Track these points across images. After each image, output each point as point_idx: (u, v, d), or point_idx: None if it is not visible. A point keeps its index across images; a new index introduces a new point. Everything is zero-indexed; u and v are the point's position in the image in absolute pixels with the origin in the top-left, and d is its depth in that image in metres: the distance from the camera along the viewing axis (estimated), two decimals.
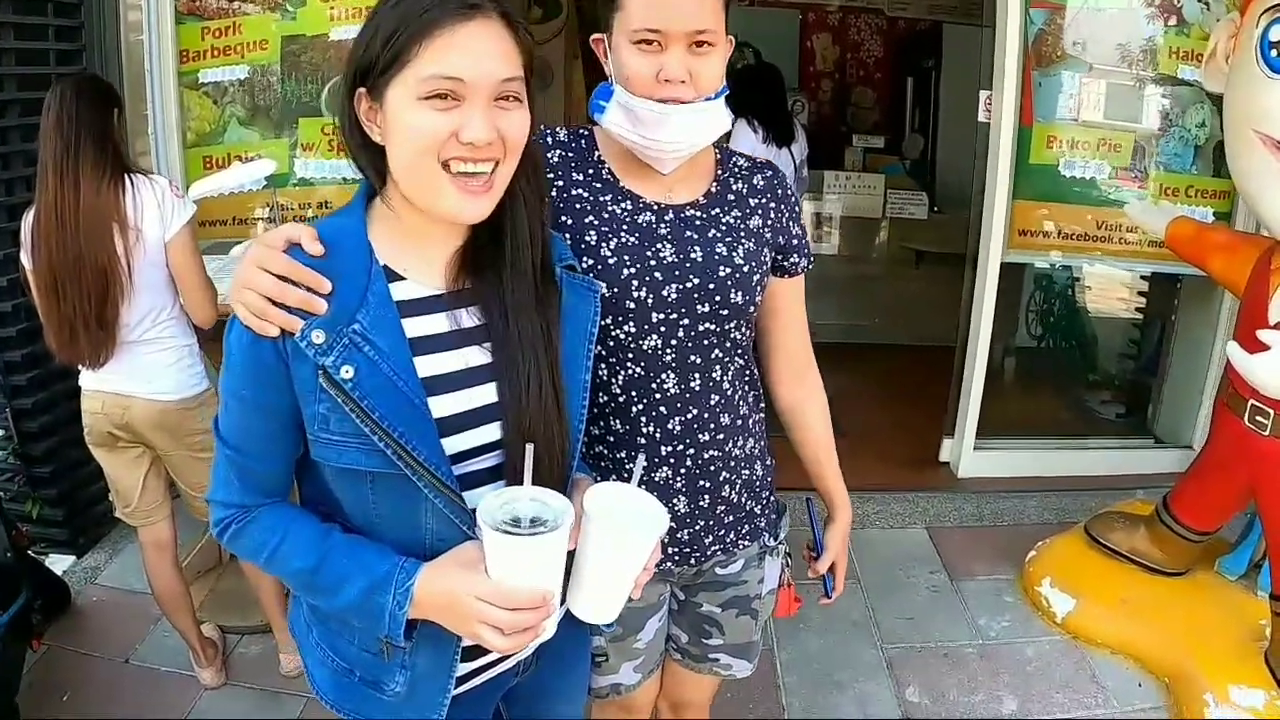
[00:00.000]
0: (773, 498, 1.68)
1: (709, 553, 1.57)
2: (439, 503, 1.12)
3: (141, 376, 2.55)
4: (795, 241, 1.57)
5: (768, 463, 1.65)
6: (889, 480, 3.91)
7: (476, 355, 1.19)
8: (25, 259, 2.49)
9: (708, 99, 1.37)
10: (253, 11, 3.56)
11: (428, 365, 1.14)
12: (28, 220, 2.47)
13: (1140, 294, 4.47)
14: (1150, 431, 4.28)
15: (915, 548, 3.52)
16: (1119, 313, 4.82)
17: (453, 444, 1.15)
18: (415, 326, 1.15)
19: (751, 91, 4.35)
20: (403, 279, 1.16)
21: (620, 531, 1.13)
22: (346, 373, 1.07)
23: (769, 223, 1.52)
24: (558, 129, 1.52)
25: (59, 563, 3.41)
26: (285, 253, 1.09)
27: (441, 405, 1.14)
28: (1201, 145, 3.66)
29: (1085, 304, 4.78)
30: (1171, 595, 2.94)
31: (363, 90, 1.10)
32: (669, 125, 1.35)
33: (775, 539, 1.67)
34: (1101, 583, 3.04)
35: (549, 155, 1.47)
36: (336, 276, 1.10)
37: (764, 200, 1.53)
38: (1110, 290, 4.92)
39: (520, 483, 1.11)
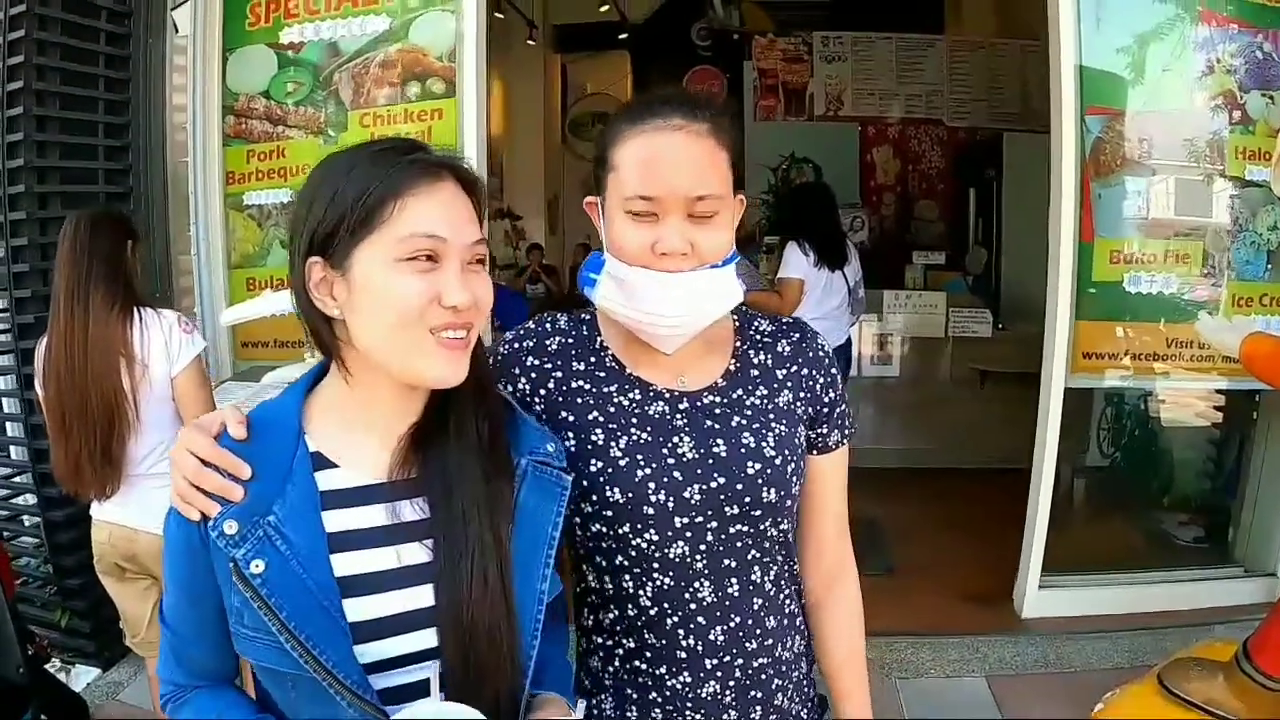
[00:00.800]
0: (814, 693, 1.45)
1: None
2: (354, 713, 1.02)
3: (148, 510, 2.50)
4: (831, 411, 1.38)
5: (811, 656, 1.45)
6: (946, 622, 3.62)
7: (415, 553, 1.09)
8: (39, 388, 2.51)
9: (713, 266, 1.21)
10: (297, 136, 3.65)
11: (352, 562, 1.06)
12: (40, 350, 2.50)
13: (1217, 409, 4.18)
14: (1232, 558, 3.95)
15: (974, 699, 3.23)
16: (1196, 428, 4.47)
17: (378, 649, 1.05)
18: (343, 519, 1.07)
19: (802, 212, 4.27)
20: (335, 466, 1.08)
21: None
22: (256, 567, 1.00)
23: (801, 395, 1.34)
24: (558, 316, 1.39)
25: (84, 674, 3.43)
26: (217, 436, 1.04)
27: (365, 607, 1.05)
28: (1274, 250, 3.46)
29: (1159, 420, 4.45)
30: None
31: (317, 259, 1.04)
32: (667, 297, 1.20)
33: None
34: None
35: (547, 343, 1.34)
36: (259, 463, 1.04)
37: (793, 369, 1.35)
38: (1186, 405, 4.61)
39: (467, 696, 1.04)
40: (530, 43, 7.15)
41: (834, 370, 1.39)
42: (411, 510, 1.09)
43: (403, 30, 3.52)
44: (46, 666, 3.14)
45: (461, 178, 1.08)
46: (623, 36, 7.10)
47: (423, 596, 1.07)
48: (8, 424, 3.58)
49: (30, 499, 3.50)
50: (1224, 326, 2.94)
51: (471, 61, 3.45)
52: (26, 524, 3.57)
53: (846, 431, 1.41)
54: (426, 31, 3.51)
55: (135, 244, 2.59)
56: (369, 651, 1.04)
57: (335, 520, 1.06)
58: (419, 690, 1.08)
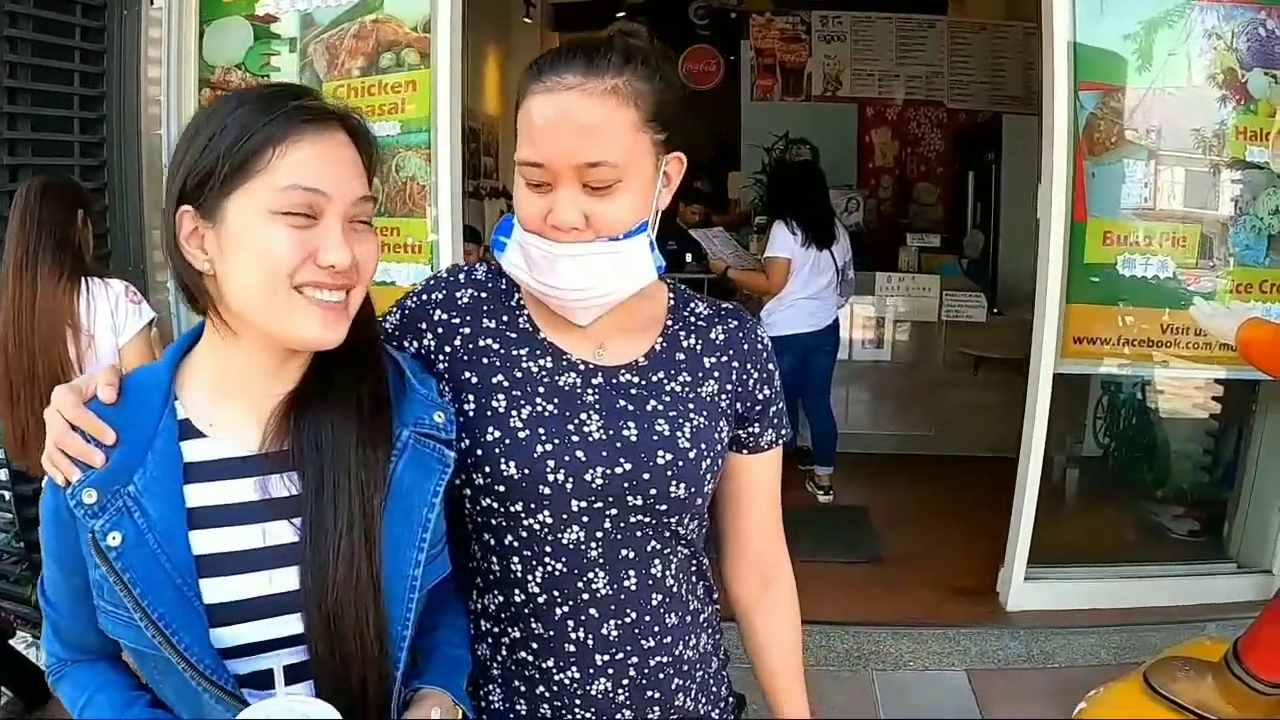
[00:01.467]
0: (729, 692, 1.37)
1: None
2: (210, 699, 0.96)
3: None
4: (765, 409, 1.28)
5: (721, 655, 1.35)
6: (929, 613, 3.53)
7: (282, 531, 1.01)
8: None
9: (614, 239, 1.10)
10: None
11: (212, 540, 0.99)
12: None
13: (1214, 398, 4.07)
14: (1226, 553, 3.83)
15: (951, 694, 3.15)
16: (1192, 418, 4.38)
17: (236, 634, 0.99)
18: (207, 493, 1.00)
19: (790, 190, 4.18)
20: (203, 436, 1.02)
21: None
22: (113, 539, 0.94)
23: (728, 388, 1.24)
24: (477, 266, 1.28)
25: None
26: (90, 399, 1.00)
27: (224, 588, 0.98)
28: (1275, 235, 3.32)
29: (1154, 409, 4.37)
30: None
31: (187, 209, 0.96)
32: (561, 269, 1.10)
33: None
34: None
35: (458, 295, 1.23)
36: (125, 429, 0.98)
37: (723, 359, 1.25)
38: (1181, 394, 4.52)
39: (333, 685, 1.00)
40: (526, 20, 7.07)
41: (771, 366, 1.29)
42: (282, 485, 1.02)
43: (377, 1, 3.44)
44: (13, 642, 3.13)
45: (351, 129, 1.01)
46: (620, 15, 7.03)
47: (287, 579, 1.00)
48: None
49: (3, 475, 3.46)
50: (1221, 312, 2.84)
51: (446, 31, 3.35)
52: (2, 500, 3.54)
53: (782, 432, 1.32)
54: (401, 2, 3.43)
55: (87, 212, 2.55)
56: (228, 635, 0.98)
57: (199, 494, 0.99)
58: (285, 678, 0.99)
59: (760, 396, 1.27)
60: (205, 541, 0.98)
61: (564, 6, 7.22)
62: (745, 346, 1.27)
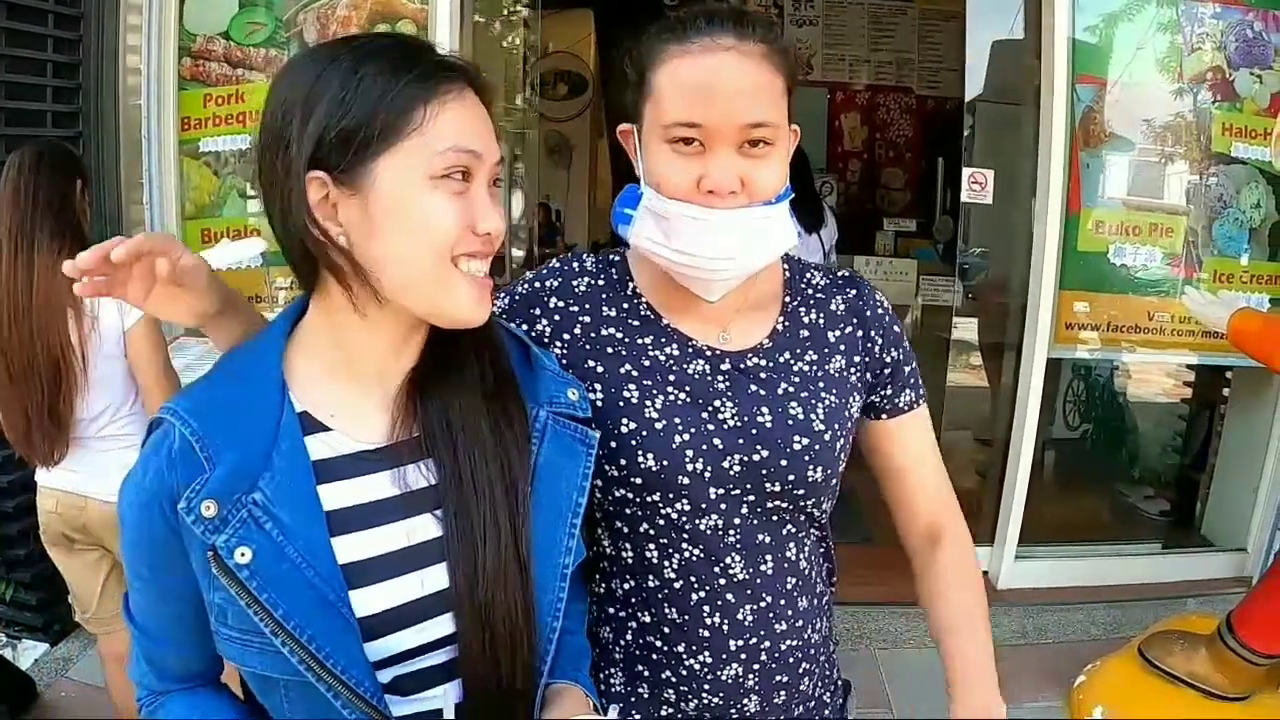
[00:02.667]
0: (839, 678, 1.35)
1: None
2: (355, 717, 0.88)
3: (99, 476, 2.32)
4: (894, 372, 1.25)
5: (834, 638, 1.34)
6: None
7: (426, 527, 0.94)
8: None
9: (766, 204, 1.08)
10: (257, 79, 3.47)
11: (357, 545, 0.90)
12: None
13: (1187, 383, 4.22)
14: (1200, 533, 3.98)
15: None
16: (1164, 401, 4.55)
17: (391, 644, 0.91)
18: (342, 493, 0.91)
19: None
20: (327, 429, 0.93)
21: None
22: (242, 556, 0.84)
23: (855, 359, 1.22)
24: (584, 255, 1.26)
25: (31, 650, 3.25)
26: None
27: (375, 598, 0.90)
28: (1257, 227, 3.45)
29: (1128, 392, 4.51)
30: None
31: (320, 174, 0.86)
32: (714, 236, 1.06)
33: None
34: (1159, 711, 2.74)
35: (574, 284, 1.21)
36: (238, 428, 0.88)
37: (847, 330, 1.22)
38: (1155, 378, 4.66)
39: (482, 686, 0.93)
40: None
41: (896, 328, 1.28)
42: (419, 476, 0.95)
43: None
44: None
45: (479, 87, 0.93)
46: None
47: (435, 578, 0.94)
48: None
49: None
50: (1211, 301, 2.94)
51: (445, 3, 3.29)
52: None
53: (920, 392, 1.29)
54: None
55: (85, 183, 2.40)
56: (379, 648, 0.90)
57: (333, 495, 0.90)
58: (432, 679, 0.95)
59: (888, 359, 1.25)
60: (348, 548, 0.90)
61: None
62: (867, 313, 1.25)
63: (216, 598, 0.87)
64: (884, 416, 1.27)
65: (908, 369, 1.28)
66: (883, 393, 1.26)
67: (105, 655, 2.55)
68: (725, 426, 1.13)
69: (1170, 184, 3.42)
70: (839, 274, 1.30)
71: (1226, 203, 3.41)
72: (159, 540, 0.88)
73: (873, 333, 1.25)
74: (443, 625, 0.94)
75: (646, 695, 1.21)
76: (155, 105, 3.55)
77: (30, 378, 2.22)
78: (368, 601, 0.89)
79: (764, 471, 1.13)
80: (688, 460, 1.12)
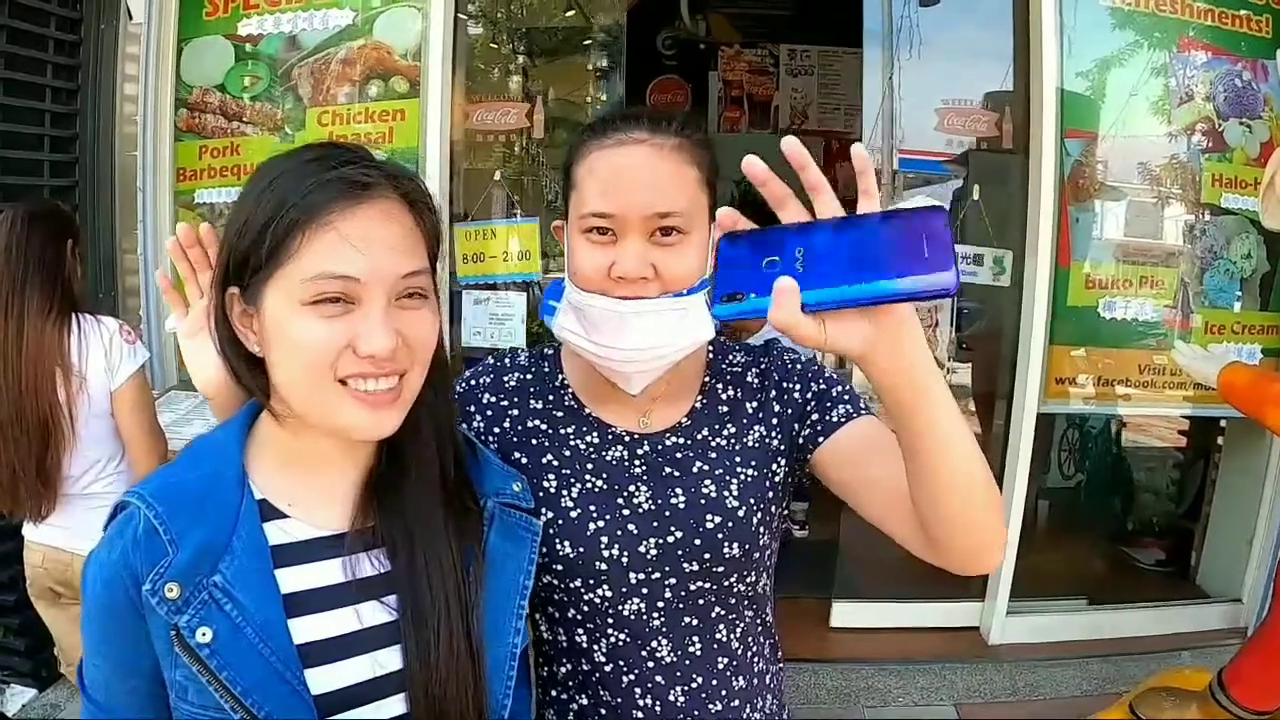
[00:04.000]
0: None
1: None
2: None
3: (85, 532, 2.32)
4: (820, 398, 1.21)
5: (786, 715, 1.33)
6: (913, 648, 3.56)
7: (375, 612, 0.96)
8: None
9: (678, 294, 1.09)
10: (252, 132, 3.51)
11: (311, 627, 0.93)
12: None
13: (1181, 432, 4.21)
14: (1194, 584, 3.94)
15: None
16: (1158, 451, 4.53)
17: None
18: (298, 578, 0.94)
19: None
20: (284, 517, 0.96)
21: None
22: (203, 636, 0.87)
23: (774, 423, 1.22)
24: (519, 352, 1.31)
25: (19, 695, 3.26)
26: None
27: (327, 677, 0.92)
28: (1248, 277, 3.45)
29: (1122, 442, 4.50)
30: None
31: (234, 291, 0.91)
32: (628, 329, 1.08)
33: None
34: None
35: (505, 379, 1.25)
36: (202, 511, 0.91)
37: (763, 399, 1.23)
38: (1149, 427, 4.64)
39: None
40: (494, 45, 7.00)
41: (801, 367, 1.25)
42: (369, 564, 0.97)
43: (366, 26, 3.39)
44: None
45: (403, 192, 0.93)
46: (587, 43, 7.00)
47: (388, 660, 0.96)
48: None
49: None
50: (1201, 355, 2.93)
51: (438, 60, 3.33)
52: None
53: (858, 403, 1.20)
54: (391, 28, 3.38)
55: (75, 242, 2.41)
56: None
57: (290, 579, 0.93)
58: None
59: (809, 395, 1.21)
60: (304, 629, 0.92)
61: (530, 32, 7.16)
62: (774, 373, 1.25)
63: (178, 675, 0.89)
64: (822, 440, 1.18)
65: (835, 390, 1.22)
66: (811, 421, 1.20)
67: None
68: (640, 511, 1.16)
69: (1160, 236, 3.44)
70: (755, 348, 1.30)
71: (1217, 253, 3.41)
72: (122, 616, 0.89)
73: (784, 384, 1.24)
74: (396, 704, 0.95)
75: None
76: (151, 156, 3.59)
77: (18, 434, 2.23)
78: (323, 680, 0.92)
79: (680, 552, 1.15)
80: (603, 547, 1.14)
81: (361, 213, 0.88)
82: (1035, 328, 3.36)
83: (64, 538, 2.37)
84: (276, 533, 0.94)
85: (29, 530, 2.41)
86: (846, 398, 1.23)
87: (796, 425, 1.23)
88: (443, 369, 1.00)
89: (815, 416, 1.22)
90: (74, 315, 2.34)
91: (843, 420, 1.20)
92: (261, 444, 0.99)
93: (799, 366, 1.27)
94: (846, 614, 3.65)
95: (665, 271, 1.07)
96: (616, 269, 1.07)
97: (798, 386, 1.24)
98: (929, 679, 3.37)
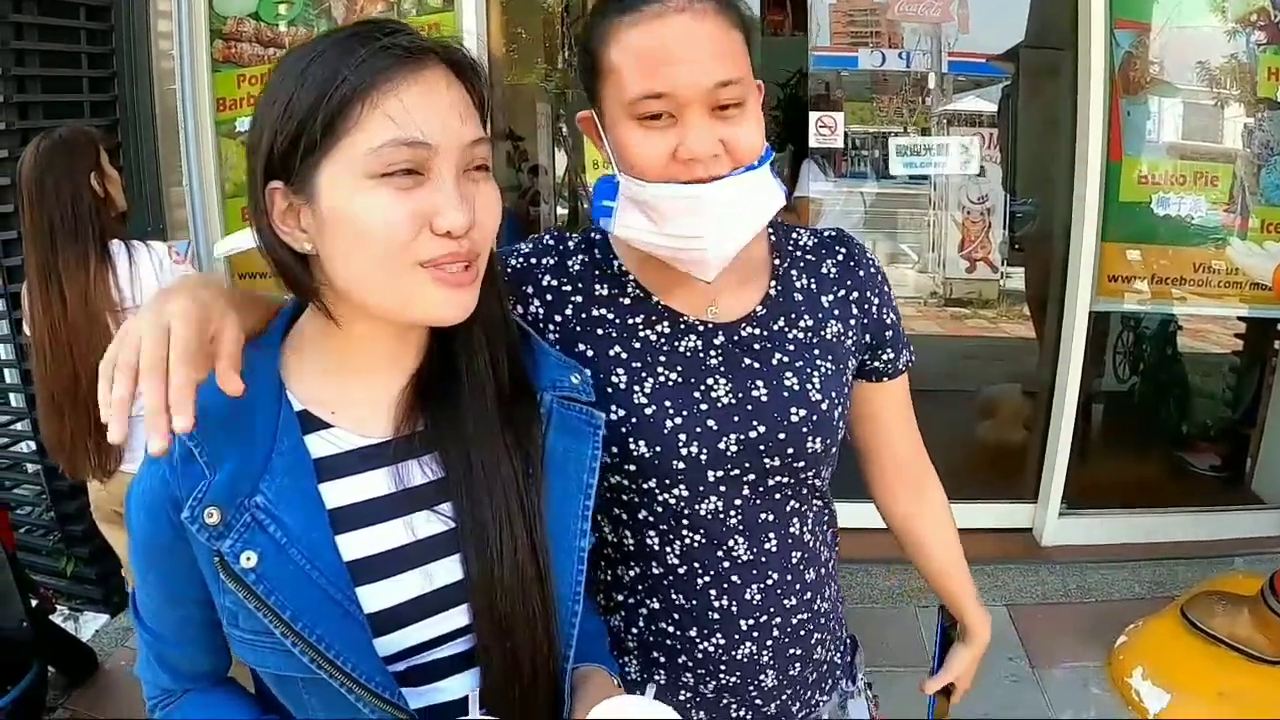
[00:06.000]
0: (847, 637, 1.37)
1: (796, 719, 1.27)
2: (372, 715, 0.88)
3: (144, 453, 2.36)
4: (889, 334, 1.23)
5: (842, 599, 1.35)
6: (965, 549, 3.54)
7: (429, 523, 0.93)
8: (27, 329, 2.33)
9: (751, 167, 1.03)
10: None
11: (359, 542, 0.89)
12: (24, 296, 2.31)
13: (1238, 336, 4.10)
14: (1250, 489, 3.87)
15: (994, 629, 3.16)
16: (1214, 354, 4.44)
17: (402, 638, 0.91)
18: (344, 491, 0.90)
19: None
20: (328, 426, 0.91)
21: None
22: (248, 560, 0.83)
23: (851, 324, 1.19)
24: (569, 234, 1.21)
25: (92, 621, 3.38)
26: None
27: (381, 594, 0.90)
28: None
29: (1177, 345, 4.39)
30: (1277, 686, 2.59)
31: (278, 185, 0.84)
32: (708, 211, 1.01)
33: (853, 682, 1.37)
34: (1199, 673, 2.70)
35: (569, 263, 1.17)
36: (236, 432, 0.86)
37: (841, 294, 1.19)
38: (1205, 331, 4.54)
39: (504, 676, 0.93)
40: None
41: (887, 287, 1.26)
42: (420, 472, 0.93)
43: None
44: (53, 616, 3.09)
45: (453, 63, 0.86)
46: None
47: (445, 572, 0.92)
48: (6, 371, 3.46)
49: (30, 446, 3.40)
50: (1255, 252, 2.85)
51: None
52: (28, 471, 3.49)
53: (910, 349, 1.29)
54: None
55: (100, 164, 2.29)
56: (391, 642, 0.90)
57: (334, 493, 0.89)
58: (448, 668, 0.95)
59: (888, 321, 1.24)
60: (353, 545, 0.89)
61: None
62: (861, 274, 1.22)
63: (227, 601, 0.87)
64: (886, 380, 1.26)
65: (900, 329, 1.27)
66: (884, 356, 1.25)
67: None
68: (719, 405, 1.11)
69: (1215, 131, 3.31)
70: (826, 233, 1.26)
71: (1274, 150, 3.28)
72: (166, 545, 0.88)
73: (869, 294, 1.22)
74: (455, 618, 0.93)
75: (664, 681, 1.20)
76: (190, 89, 3.60)
77: (75, 401, 2.20)
78: (375, 597, 0.89)
79: (761, 448, 1.11)
80: (681, 445, 1.09)
81: (424, 79, 0.83)
82: (1086, 223, 3.29)
83: (126, 460, 2.36)
84: (320, 444, 0.90)
85: None
86: (904, 340, 1.27)
87: (871, 342, 1.23)
88: (491, 254, 0.93)
89: (889, 354, 1.25)
90: (118, 244, 2.29)
91: (901, 370, 1.27)
92: (301, 353, 0.93)
93: (880, 278, 1.25)
94: None
95: (734, 144, 1.01)
96: (684, 151, 0.99)
97: (878, 304, 1.23)
98: (980, 579, 3.29)
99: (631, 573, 1.19)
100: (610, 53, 1.01)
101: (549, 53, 6.36)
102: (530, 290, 1.15)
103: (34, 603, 2.72)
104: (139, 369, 0.81)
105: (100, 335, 2.19)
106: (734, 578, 1.15)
